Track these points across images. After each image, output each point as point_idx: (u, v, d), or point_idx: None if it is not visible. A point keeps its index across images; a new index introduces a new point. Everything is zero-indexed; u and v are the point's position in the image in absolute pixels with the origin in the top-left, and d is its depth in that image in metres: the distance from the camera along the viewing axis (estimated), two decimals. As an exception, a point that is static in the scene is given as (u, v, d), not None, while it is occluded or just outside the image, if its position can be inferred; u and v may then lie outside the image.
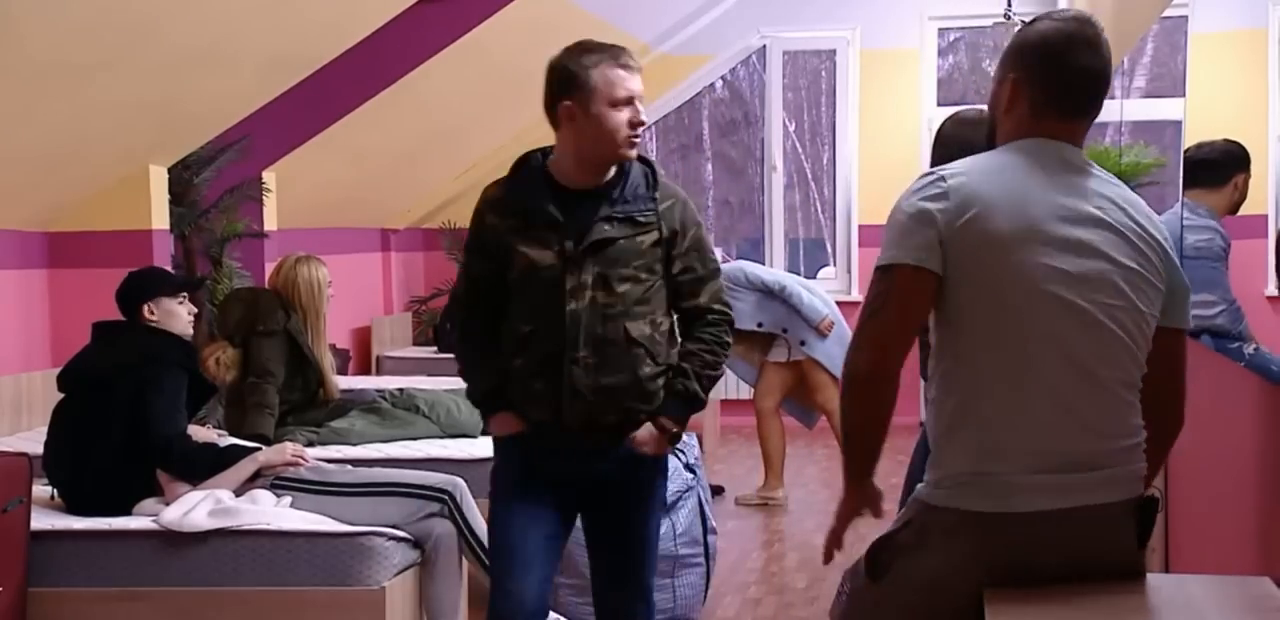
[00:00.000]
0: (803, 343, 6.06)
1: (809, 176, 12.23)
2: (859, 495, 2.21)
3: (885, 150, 8.69)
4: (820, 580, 4.77)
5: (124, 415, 3.80)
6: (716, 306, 2.99)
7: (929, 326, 2.20)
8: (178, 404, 3.87)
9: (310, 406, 4.77)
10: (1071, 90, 2.16)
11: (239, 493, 3.83)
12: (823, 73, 10.77)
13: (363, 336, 8.08)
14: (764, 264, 8.29)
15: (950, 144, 3.42)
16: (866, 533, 2.29)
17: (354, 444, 4.69)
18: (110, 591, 3.62)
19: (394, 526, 3.68)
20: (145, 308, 3.96)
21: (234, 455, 3.93)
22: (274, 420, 4.60)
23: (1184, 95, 4.07)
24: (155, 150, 5.29)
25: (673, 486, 4.15)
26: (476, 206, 2.97)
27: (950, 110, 3.72)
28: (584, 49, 2.88)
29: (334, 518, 3.71)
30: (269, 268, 5.43)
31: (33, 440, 4.51)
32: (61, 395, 4.01)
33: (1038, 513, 2.04)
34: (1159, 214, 2.27)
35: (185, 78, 4.75)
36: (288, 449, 4.01)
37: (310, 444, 4.50)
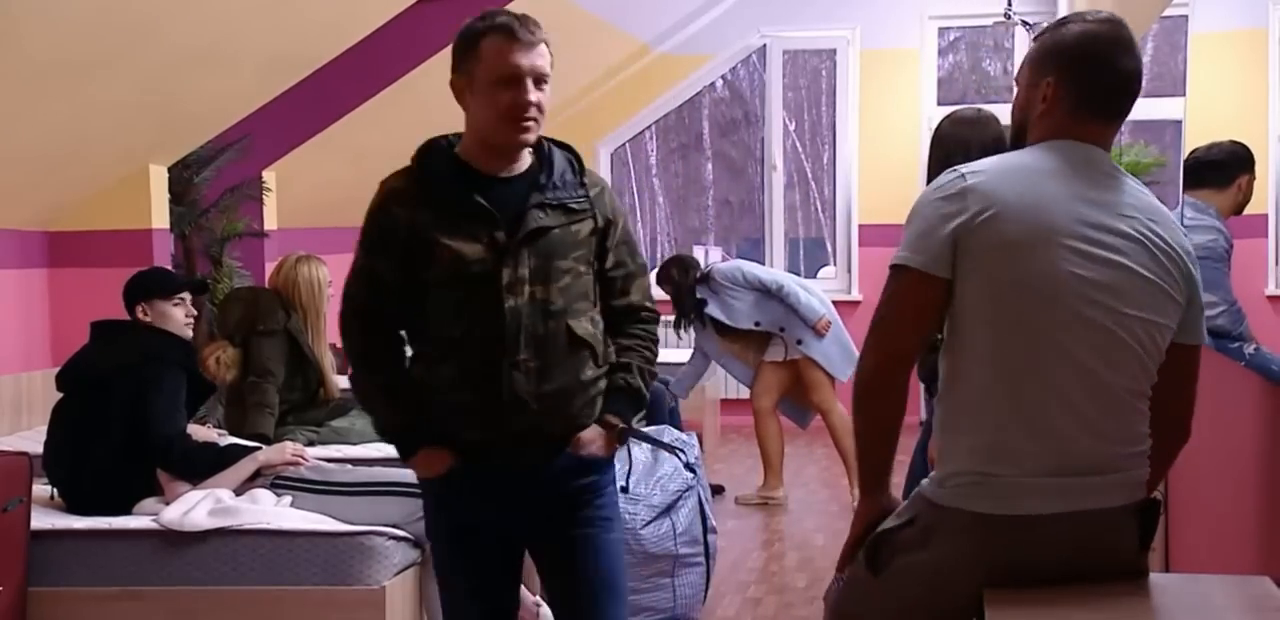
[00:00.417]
0: (799, 342, 6.07)
1: (809, 176, 12.23)
2: (876, 506, 2.21)
3: (885, 150, 8.69)
4: (820, 580, 4.77)
5: (124, 415, 3.80)
6: (648, 304, 2.75)
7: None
8: (177, 403, 3.87)
9: (310, 406, 4.77)
10: (1113, 93, 2.16)
11: (239, 492, 3.83)
12: (823, 72, 10.77)
13: (363, 336, 8.06)
14: (764, 263, 8.29)
15: (948, 143, 3.42)
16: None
17: (354, 443, 4.68)
18: (110, 591, 3.62)
19: (394, 526, 3.68)
20: (139, 308, 3.97)
21: (234, 455, 3.93)
22: (274, 420, 4.61)
23: (1184, 95, 4.07)
24: (155, 150, 5.29)
25: (673, 486, 4.15)
26: (376, 201, 2.62)
27: (950, 110, 3.72)
28: (482, 16, 2.57)
29: (334, 517, 3.71)
30: (269, 267, 5.43)
31: (33, 440, 4.51)
32: (61, 395, 4.01)
33: (1041, 515, 2.04)
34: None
35: (185, 78, 4.75)
36: (288, 448, 4.01)
37: (310, 443, 4.50)
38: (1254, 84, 3.90)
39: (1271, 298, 4.43)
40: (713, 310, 6.15)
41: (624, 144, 9.54)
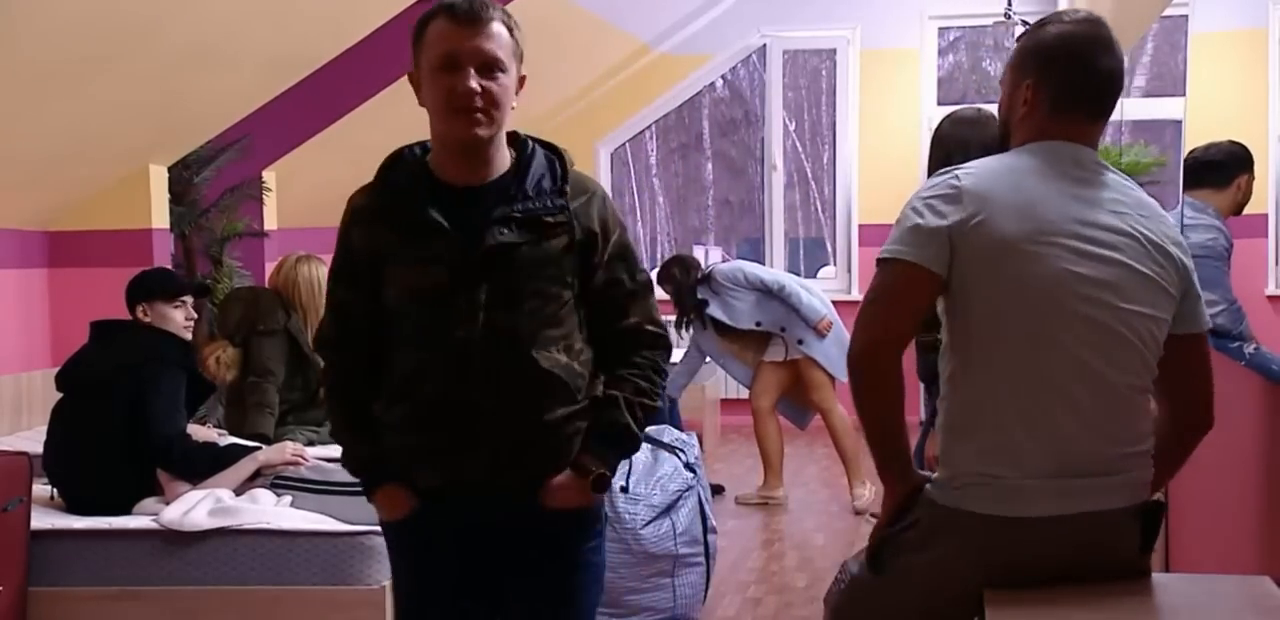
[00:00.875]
0: (800, 341, 6.07)
1: (809, 176, 12.24)
2: (901, 490, 2.17)
3: (885, 150, 8.69)
4: (820, 580, 4.77)
5: (124, 415, 3.80)
6: (650, 328, 2.37)
7: (930, 327, 2.19)
8: (177, 403, 3.87)
9: (310, 406, 4.77)
10: (1092, 92, 2.16)
11: (239, 492, 3.83)
12: (823, 72, 10.77)
13: (363, 336, 8.06)
14: (764, 263, 8.29)
15: (948, 143, 3.43)
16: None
17: (354, 443, 4.67)
18: (110, 591, 3.62)
19: (394, 526, 3.68)
20: (140, 309, 3.97)
21: (234, 454, 3.93)
22: (274, 419, 4.61)
23: (1184, 95, 4.07)
24: (155, 150, 5.29)
25: (673, 486, 4.15)
26: (342, 219, 2.36)
27: (950, 110, 3.72)
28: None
29: (334, 517, 3.71)
30: (269, 267, 5.43)
31: (33, 440, 4.51)
32: (61, 395, 4.01)
33: (1043, 517, 2.04)
34: (1161, 214, 2.26)
35: (185, 77, 4.75)
36: (288, 448, 4.01)
37: (310, 443, 4.50)
38: (1254, 84, 3.91)
39: (1271, 297, 4.43)
40: (714, 311, 6.15)
41: (624, 144, 9.54)
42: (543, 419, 2.28)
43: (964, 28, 9.66)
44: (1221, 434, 2.22)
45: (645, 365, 2.36)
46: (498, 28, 2.23)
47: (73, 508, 3.86)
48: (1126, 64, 2.26)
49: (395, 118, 6.48)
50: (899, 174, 8.26)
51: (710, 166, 12.77)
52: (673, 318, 6.14)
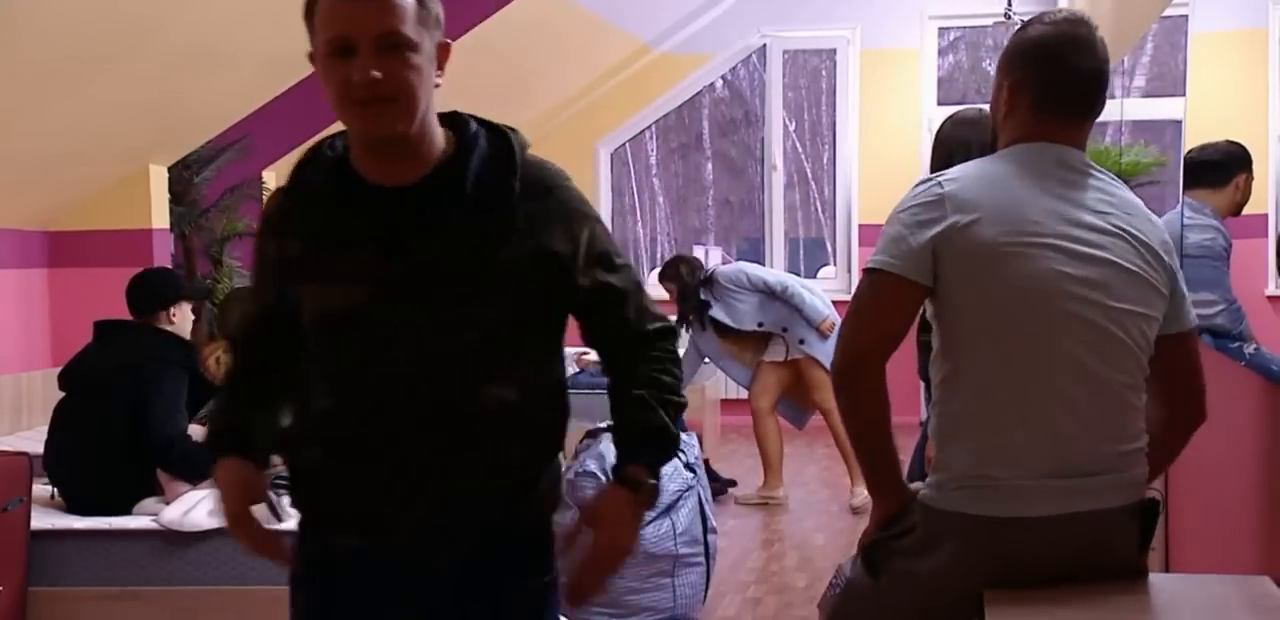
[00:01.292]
0: (802, 341, 6.07)
1: (809, 176, 12.24)
2: (891, 503, 2.19)
3: (885, 150, 8.69)
4: (820, 580, 4.77)
5: (125, 415, 3.80)
6: (652, 326, 1.97)
7: (929, 327, 2.20)
8: (178, 404, 3.88)
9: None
10: (1070, 93, 2.16)
11: (239, 492, 3.83)
12: (823, 72, 10.78)
13: (363, 336, 8.07)
14: (764, 264, 8.30)
15: (949, 144, 3.42)
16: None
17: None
18: (110, 591, 3.62)
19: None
20: (170, 310, 4.00)
21: (234, 455, 3.93)
22: (274, 420, 4.61)
23: (1184, 95, 4.07)
24: (155, 150, 5.29)
25: (672, 486, 4.15)
26: (257, 233, 1.99)
27: (950, 110, 3.72)
28: None
29: (334, 517, 3.70)
30: (269, 267, 5.42)
31: (33, 440, 4.52)
32: (62, 394, 4.01)
33: (1040, 517, 2.04)
34: (1160, 214, 2.27)
35: (185, 77, 4.75)
36: (288, 448, 4.01)
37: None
38: (1254, 84, 3.91)
39: (1271, 298, 4.43)
40: (716, 313, 6.15)
41: (624, 144, 9.54)
42: (494, 468, 1.88)
43: (964, 28, 9.67)
44: (1221, 434, 2.23)
45: (664, 358, 1.97)
46: None
47: (73, 508, 3.86)
48: (1126, 64, 2.26)
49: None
50: (899, 174, 8.25)
51: (710, 166, 12.78)
52: (673, 317, 6.14)
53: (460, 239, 1.84)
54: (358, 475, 1.91)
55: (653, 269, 12.41)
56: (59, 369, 4.09)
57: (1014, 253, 2.05)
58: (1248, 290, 3.70)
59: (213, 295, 5.48)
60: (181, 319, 4.02)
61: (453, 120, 1.91)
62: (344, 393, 1.90)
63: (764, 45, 8.98)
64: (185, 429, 3.92)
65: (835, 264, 9.29)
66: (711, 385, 7.73)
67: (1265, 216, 3.89)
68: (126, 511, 3.82)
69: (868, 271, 2.12)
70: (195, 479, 3.83)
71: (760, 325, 6.12)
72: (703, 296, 6.18)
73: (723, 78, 10.41)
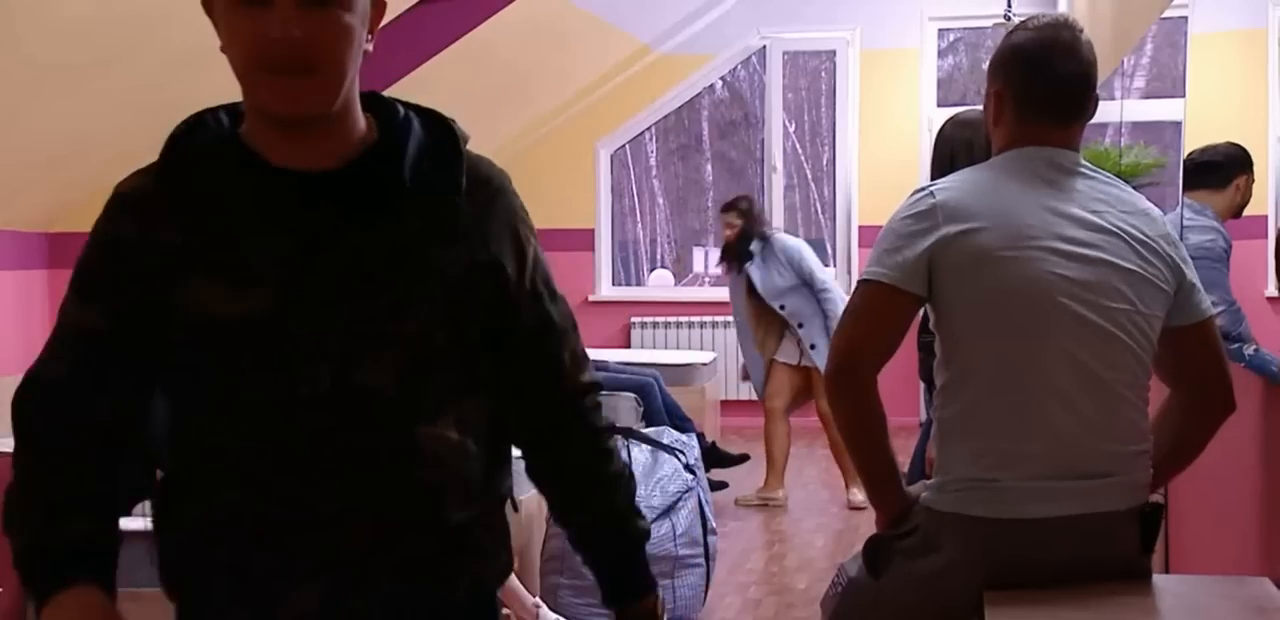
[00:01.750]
0: (813, 347, 6.02)
1: (809, 177, 12.24)
2: (892, 511, 2.18)
3: (885, 151, 8.69)
4: (820, 581, 4.77)
5: (124, 415, 3.80)
6: (586, 377, 1.60)
7: (931, 329, 2.20)
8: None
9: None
10: (1053, 97, 2.16)
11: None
12: (823, 73, 10.77)
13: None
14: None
15: (950, 145, 3.43)
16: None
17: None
18: (110, 592, 3.61)
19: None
20: None
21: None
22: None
23: (1184, 95, 4.08)
24: (155, 150, 5.28)
25: (672, 488, 4.15)
26: (104, 212, 1.55)
27: (950, 111, 3.73)
28: None
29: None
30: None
31: (32, 440, 4.51)
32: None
33: (1042, 519, 2.04)
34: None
35: (185, 77, 4.75)
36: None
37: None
38: (1254, 84, 3.92)
39: (1271, 299, 4.43)
40: (752, 271, 6.05)
41: (624, 145, 9.53)
42: (431, 532, 1.48)
43: (964, 29, 9.67)
44: (1221, 434, 2.23)
45: (606, 446, 1.61)
46: None
47: (72, 508, 3.85)
48: (1126, 65, 2.26)
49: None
50: (899, 175, 8.26)
51: (710, 168, 12.78)
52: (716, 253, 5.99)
53: (394, 238, 1.47)
54: (249, 544, 1.46)
55: (653, 269, 12.43)
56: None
57: (1009, 257, 2.05)
58: (1248, 291, 3.71)
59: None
60: None
61: (372, 101, 1.56)
62: (229, 434, 1.47)
63: (764, 46, 8.99)
64: (185, 429, 3.91)
65: (835, 265, 9.29)
66: (711, 386, 7.73)
67: (1265, 218, 3.90)
68: (127, 512, 3.81)
69: (861, 283, 2.14)
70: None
71: (782, 307, 6.02)
72: (751, 249, 6.08)
73: (722, 79, 10.40)
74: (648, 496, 4.09)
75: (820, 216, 11.94)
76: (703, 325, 8.53)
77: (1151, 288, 2.11)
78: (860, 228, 8.83)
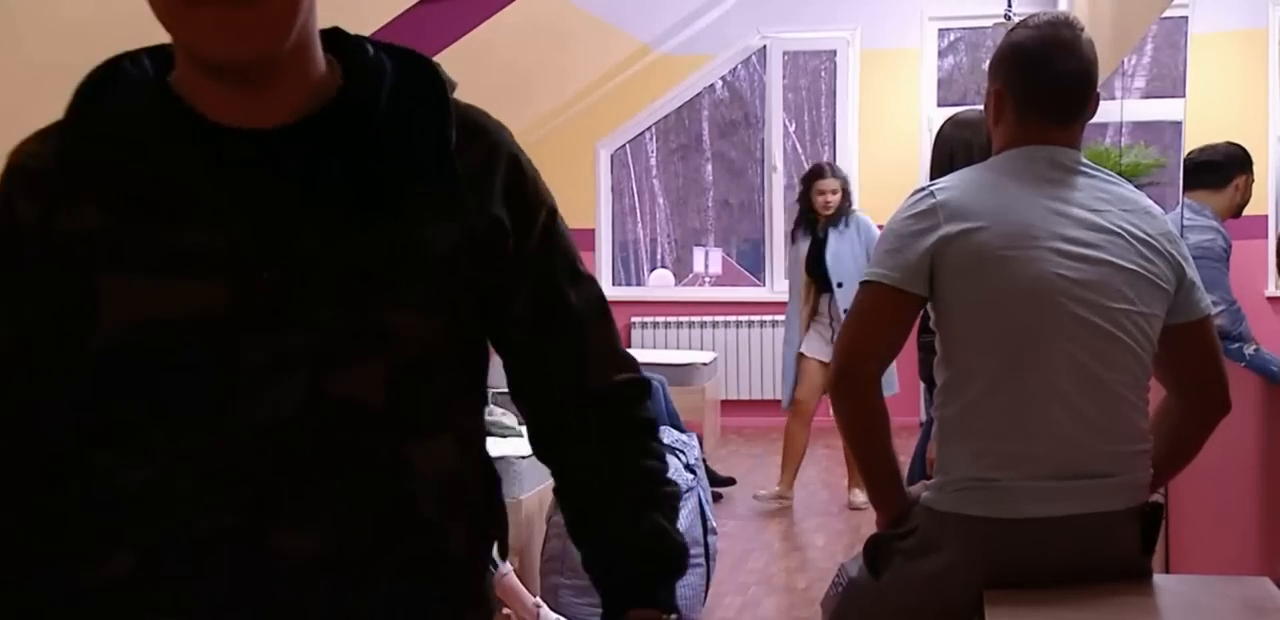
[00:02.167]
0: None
1: (809, 177, 12.23)
2: (893, 513, 2.19)
3: (885, 150, 8.69)
4: (820, 581, 4.77)
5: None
6: (624, 376, 1.31)
7: (931, 329, 2.20)
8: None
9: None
10: (1053, 96, 2.16)
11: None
12: (823, 73, 10.77)
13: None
14: (764, 265, 8.29)
15: (950, 144, 3.43)
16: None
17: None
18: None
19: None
20: None
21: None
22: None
23: (1184, 95, 4.08)
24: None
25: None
26: None
27: (950, 110, 3.73)
28: None
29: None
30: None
31: (32, 440, 4.51)
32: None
33: (1039, 519, 2.05)
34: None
35: (185, 78, 4.76)
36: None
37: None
38: (1254, 84, 3.92)
39: (1271, 298, 4.43)
40: (831, 241, 5.85)
41: (624, 145, 9.53)
42: (420, 566, 1.22)
43: (964, 29, 9.67)
44: (1221, 434, 2.23)
45: (643, 429, 1.32)
46: None
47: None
48: (1126, 65, 2.27)
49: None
50: (899, 175, 8.26)
51: (710, 168, 12.78)
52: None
53: (369, 209, 1.17)
54: (196, 578, 1.17)
55: (653, 269, 12.41)
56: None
57: (1010, 257, 2.05)
58: (1248, 291, 3.70)
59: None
60: None
61: (336, 39, 1.29)
62: (179, 455, 1.16)
63: (764, 46, 8.99)
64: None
65: (835, 265, 9.28)
66: (711, 385, 7.73)
67: (1265, 218, 3.90)
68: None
69: (863, 284, 2.14)
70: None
71: (839, 285, 5.78)
72: (835, 226, 5.88)
73: (723, 79, 10.40)
74: (648, 496, 4.09)
75: (820, 216, 11.93)
76: (703, 325, 8.53)
77: (1152, 287, 2.11)
78: (860, 227, 8.82)
